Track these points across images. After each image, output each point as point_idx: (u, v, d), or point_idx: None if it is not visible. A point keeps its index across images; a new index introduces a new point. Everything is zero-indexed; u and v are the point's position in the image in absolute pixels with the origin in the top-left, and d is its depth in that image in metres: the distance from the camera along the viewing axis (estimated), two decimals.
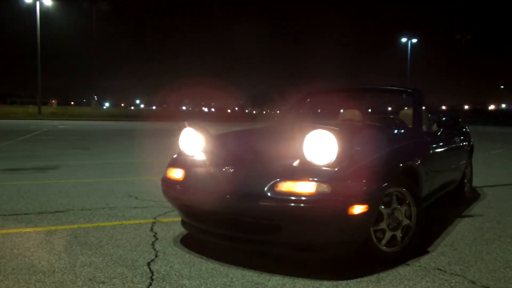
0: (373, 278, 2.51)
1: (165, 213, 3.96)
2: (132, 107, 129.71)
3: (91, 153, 9.44)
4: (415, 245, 2.88)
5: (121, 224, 3.60)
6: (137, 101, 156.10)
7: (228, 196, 2.62)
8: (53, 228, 3.44)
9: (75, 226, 3.51)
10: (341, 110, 4.53)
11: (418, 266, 2.72)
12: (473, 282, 2.48)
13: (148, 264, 2.70)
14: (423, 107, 3.91)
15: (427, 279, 2.51)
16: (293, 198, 2.43)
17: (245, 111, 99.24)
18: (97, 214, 3.91)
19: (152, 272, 2.57)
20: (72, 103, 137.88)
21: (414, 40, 51.40)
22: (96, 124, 27.70)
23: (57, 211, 3.96)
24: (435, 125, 4.08)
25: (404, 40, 51.73)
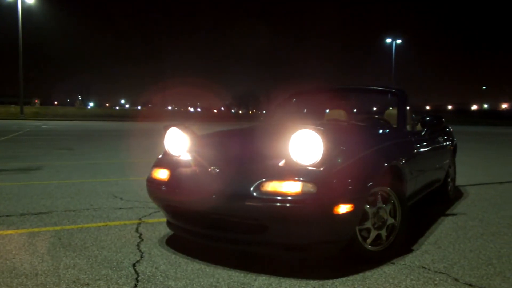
0: (358, 277, 2.53)
1: (150, 214, 3.93)
2: (117, 107, 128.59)
3: (75, 153, 9.33)
4: (400, 243, 2.91)
5: (106, 225, 3.56)
6: (122, 101, 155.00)
7: (214, 196, 2.61)
8: (36, 230, 3.39)
9: (59, 227, 3.46)
10: (327, 110, 4.55)
11: (403, 264, 2.75)
12: (457, 280, 2.51)
13: (134, 265, 2.67)
14: (407, 107, 3.95)
15: (412, 277, 2.54)
16: (279, 198, 2.43)
17: (231, 111, 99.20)
18: (81, 215, 3.86)
19: (137, 273, 2.54)
20: (56, 103, 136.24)
21: (399, 41, 51.89)
22: (80, 124, 27.40)
23: (40, 213, 3.91)
24: (419, 125, 4.12)
25: (389, 41, 52.19)
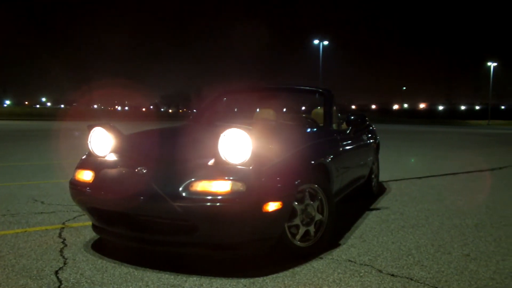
0: (288, 273, 2.57)
1: (74, 218, 3.75)
2: (38, 106, 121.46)
3: None
4: (328, 239, 3.00)
5: (25, 231, 3.34)
6: (43, 99, 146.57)
7: (141, 197, 2.54)
8: None
9: None
10: (258, 109, 4.58)
11: (331, 258, 2.84)
12: (380, 271, 2.63)
13: (56, 272, 2.53)
14: (334, 107, 4.09)
15: (339, 270, 2.63)
16: (208, 197, 2.42)
17: (160, 110, 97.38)
18: None
19: (60, 281, 2.41)
20: None
21: (326, 42, 53.54)
22: None
23: None
24: (344, 123, 4.27)
25: (316, 42, 53.70)
